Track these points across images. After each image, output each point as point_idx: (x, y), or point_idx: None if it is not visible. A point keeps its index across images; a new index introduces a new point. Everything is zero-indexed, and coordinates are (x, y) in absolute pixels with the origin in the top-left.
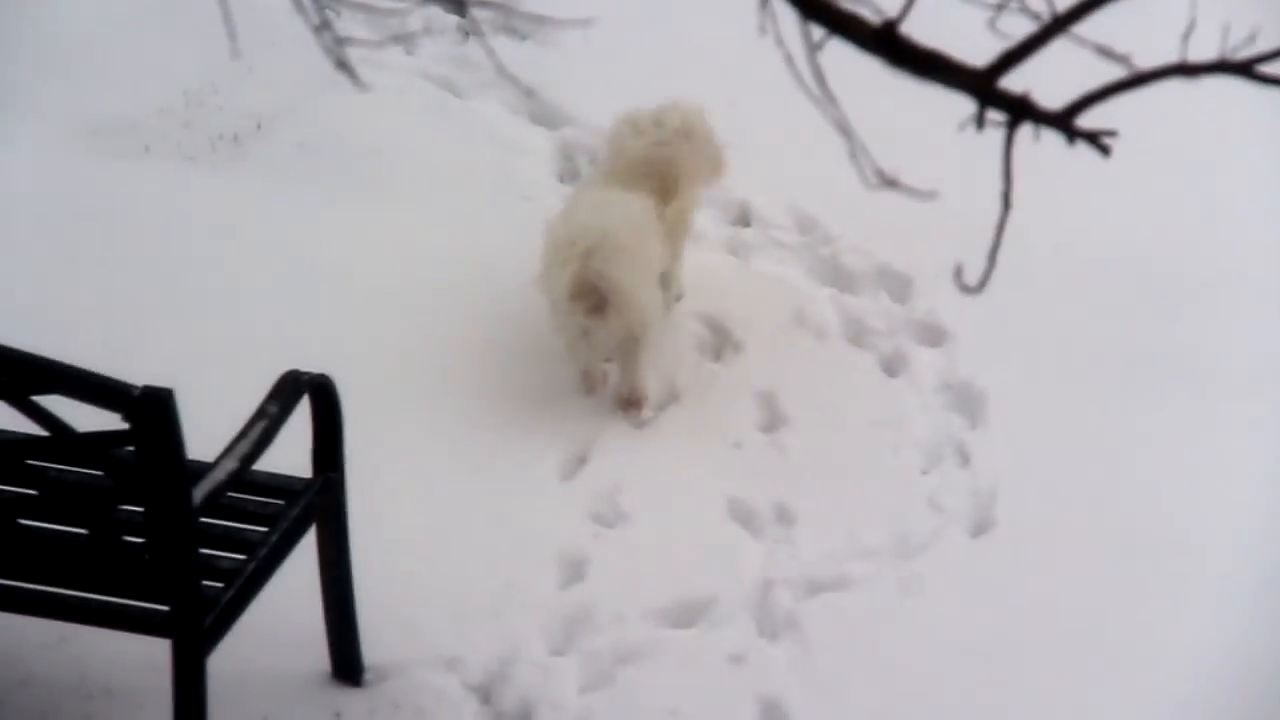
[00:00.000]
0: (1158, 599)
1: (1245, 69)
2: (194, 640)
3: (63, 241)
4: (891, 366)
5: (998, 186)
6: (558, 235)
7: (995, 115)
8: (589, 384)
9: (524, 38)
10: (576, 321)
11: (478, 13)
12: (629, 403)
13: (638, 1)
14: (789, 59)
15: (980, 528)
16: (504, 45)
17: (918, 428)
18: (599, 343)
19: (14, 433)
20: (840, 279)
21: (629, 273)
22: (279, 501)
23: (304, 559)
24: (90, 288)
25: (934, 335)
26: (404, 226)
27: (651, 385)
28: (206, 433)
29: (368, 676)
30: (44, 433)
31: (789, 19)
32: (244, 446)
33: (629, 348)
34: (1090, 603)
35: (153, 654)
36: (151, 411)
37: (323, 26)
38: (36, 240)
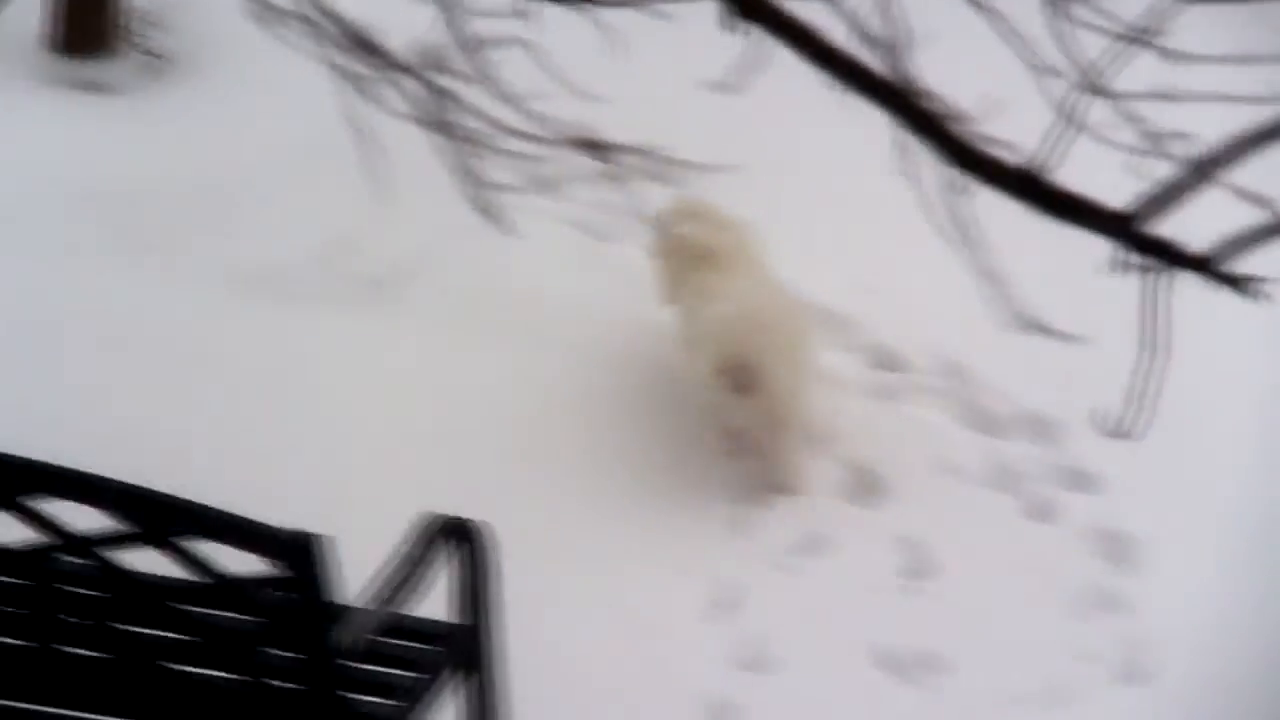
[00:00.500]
0: None
1: None
2: None
3: (211, 385)
4: (1039, 511)
5: (1144, 329)
6: (705, 315)
7: (1139, 258)
8: (721, 443)
9: (668, 183)
10: (720, 399)
11: (622, 158)
12: (779, 487)
13: (780, 146)
14: (927, 201)
15: (1132, 677)
16: (649, 190)
17: (1066, 574)
18: (742, 422)
19: (159, 575)
20: (985, 423)
21: (773, 354)
22: (428, 646)
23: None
24: (236, 431)
25: (1082, 480)
26: (548, 370)
27: (805, 525)
28: (352, 575)
29: None
30: (191, 575)
31: (929, 161)
32: (387, 590)
33: (775, 431)
34: None
35: None
36: (301, 555)
37: (468, 173)
38: (186, 383)
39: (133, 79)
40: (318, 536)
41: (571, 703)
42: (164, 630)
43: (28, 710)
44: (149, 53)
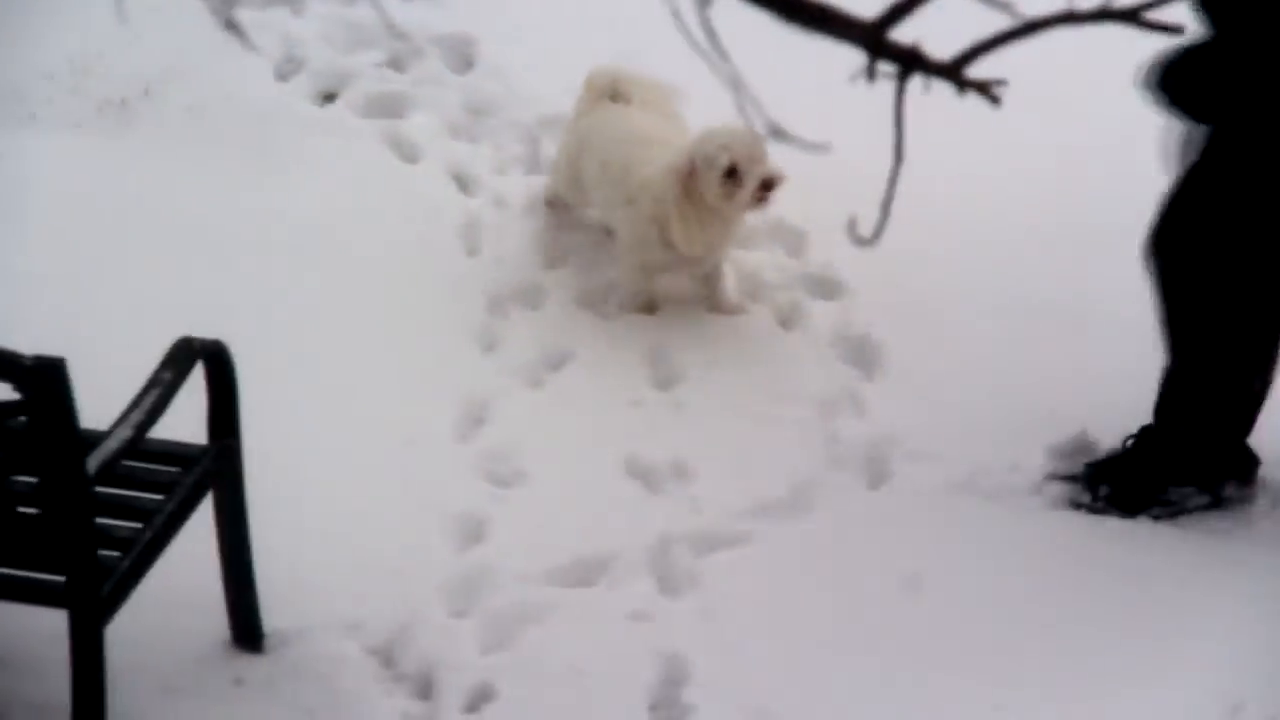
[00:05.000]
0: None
1: (1130, 15)
2: (91, 610)
3: None
4: (787, 320)
5: (890, 139)
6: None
7: (886, 67)
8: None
9: None
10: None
11: None
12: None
13: None
14: (676, 14)
15: (877, 479)
16: (393, 4)
17: (814, 381)
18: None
19: None
20: None
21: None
22: (175, 469)
23: (202, 526)
24: None
25: (829, 288)
26: (295, 189)
27: (552, 339)
28: (101, 401)
29: (268, 642)
30: None
31: None
32: (138, 414)
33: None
34: (977, 555)
35: (50, 624)
36: (43, 380)
37: None
38: None
39: None
40: (61, 361)
41: (320, 521)
42: None
43: None
44: None
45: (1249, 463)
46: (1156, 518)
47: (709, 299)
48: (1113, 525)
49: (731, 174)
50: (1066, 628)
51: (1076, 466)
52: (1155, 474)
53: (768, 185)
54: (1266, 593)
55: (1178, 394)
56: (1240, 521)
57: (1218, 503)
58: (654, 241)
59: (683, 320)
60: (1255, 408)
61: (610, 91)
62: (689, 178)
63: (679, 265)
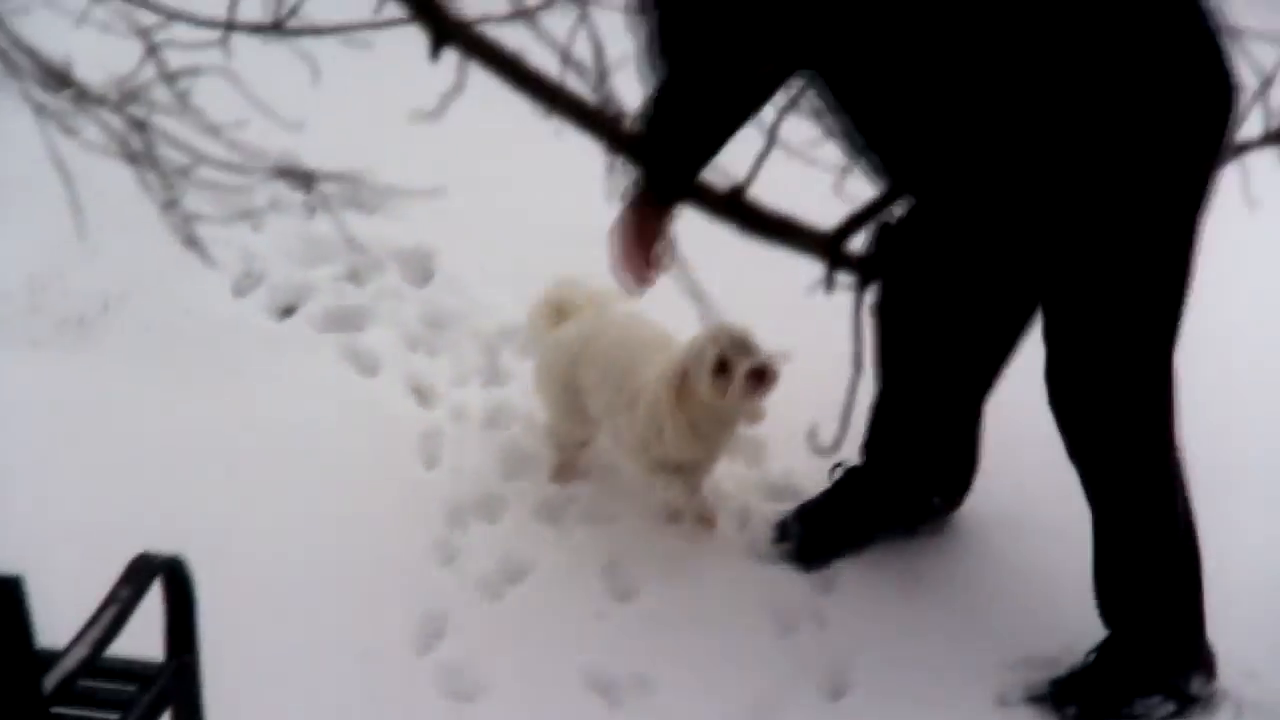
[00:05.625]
0: None
1: None
2: None
3: None
4: (745, 528)
5: (848, 348)
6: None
7: (844, 277)
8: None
9: (372, 211)
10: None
11: (325, 187)
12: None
13: (487, 172)
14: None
15: (839, 691)
16: (352, 219)
17: (773, 591)
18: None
19: None
20: None
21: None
22: (132, 686)
23: None
24: None
25: (788, 497)
26: (254, 403)
27: (511, 552)
28: (58, 616)
29: None
30: None
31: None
32: (95, 632)
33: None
34: None
35: None
36: (1, 598)
37: (171, 204)
38: None
39: None
40: (18, 579)
41: None
42: None
43: None
44: None
45: (1209, 658)
46: None
47: (690, 506)
48: None
49: (721, 368)
50: None
51: (1041, 679)
52: (1120, 687)
53: (759, 376)
54: None
55: (1116, 593)
56: None
57: (1184, 709)
58: (654, 444)
59: (642, 531)
60: (1198, 593)
61: (557, 309)
62: (681, 383)
63: (679, 468)
